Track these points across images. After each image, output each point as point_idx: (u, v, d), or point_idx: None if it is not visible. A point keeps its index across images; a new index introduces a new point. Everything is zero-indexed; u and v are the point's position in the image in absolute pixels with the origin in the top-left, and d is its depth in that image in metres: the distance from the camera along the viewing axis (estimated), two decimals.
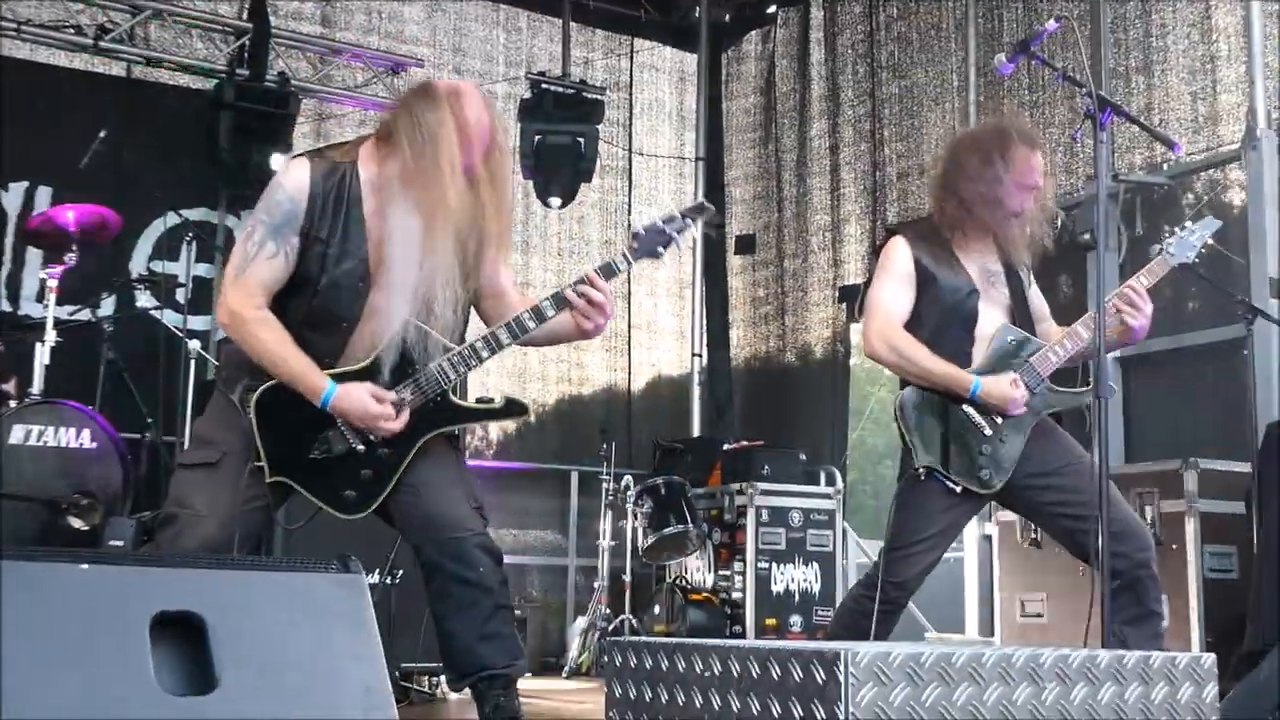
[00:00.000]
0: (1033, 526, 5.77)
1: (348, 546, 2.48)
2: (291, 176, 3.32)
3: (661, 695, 2.63)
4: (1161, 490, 5.35)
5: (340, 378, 3.25)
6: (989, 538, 6.39)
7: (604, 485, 7.78)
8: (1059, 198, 6.46)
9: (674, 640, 2.68)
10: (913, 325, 3.93)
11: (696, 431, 9.78)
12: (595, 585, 7.74)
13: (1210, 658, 2.57)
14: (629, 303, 9.76)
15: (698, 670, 2.54)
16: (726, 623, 7.32)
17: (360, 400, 3.23)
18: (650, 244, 3.45)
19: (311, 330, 3.29)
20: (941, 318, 3.92)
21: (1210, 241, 4.05)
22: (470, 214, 3.34)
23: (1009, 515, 5.88)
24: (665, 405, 10.08)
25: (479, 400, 3.51)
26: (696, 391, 10.06)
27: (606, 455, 7.81)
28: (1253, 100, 6.44)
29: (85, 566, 2.02)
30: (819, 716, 2.22)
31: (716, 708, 2.47)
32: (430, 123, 3.28)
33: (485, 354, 3.37)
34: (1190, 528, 5.21)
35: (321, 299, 3.29)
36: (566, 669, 7.33)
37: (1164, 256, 3.99)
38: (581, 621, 7.70)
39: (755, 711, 2.36)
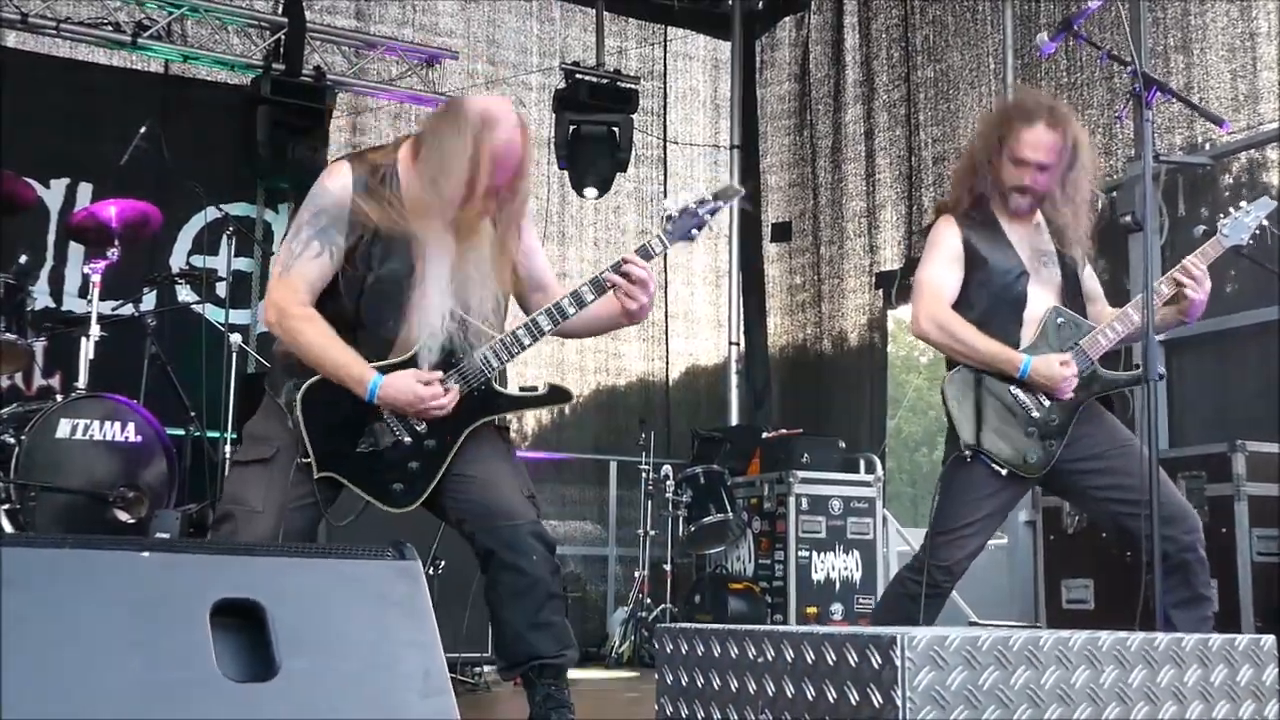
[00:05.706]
0: (1078, 512, 5.73)
1: (391, 537, 2.48)
2: (335, 178, 3.36)
3: (714, 681, 2.62)
4: (1208, 473, 5.30)
5: (383, 370, 3.27)
6: (1032, 524, 6.34)
7: (643, 475, 7.77)
8: (1099, 180, 6.42)
9: (725, 626, 2.68)
10: (961, 307, 3.90)
11: (734, 420, 9.76)
12: (636, 575, 7.74)
13: (1270, 639, 2.55)
14: (665, 292, 9.73)
15: (750, 656, 2.53)
16: (768, 611, 7.30)
17: (408, 385, 3.24)
18: (684, 227, 3.47)
19: (360, 329, 3.32)
20: (991, 300, 3.89)
21: (1265, 223, 3.97)
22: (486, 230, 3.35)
23: (1052, 501, 5.84)
24: (702, 394, 10.07)
25: (522, 388, 3.50)
26: (734, 380, 10.03)
27: (645, 445, 7.80)
28: None
29: (146, 555, 2.03)
30: (876, 701, 2.21)
31: (771, 693, 2.46)
32: (448, 152, 3.25)
33: (527, 341, 3.38)
34: (1239, 511, 5.17)
35: (369, 296, 3.32)
36: (608, 659, 7.34)
37: (1218, 238, 3.91)
38: (622, 612, 7.72)
39: (811, 696, 2.35)
